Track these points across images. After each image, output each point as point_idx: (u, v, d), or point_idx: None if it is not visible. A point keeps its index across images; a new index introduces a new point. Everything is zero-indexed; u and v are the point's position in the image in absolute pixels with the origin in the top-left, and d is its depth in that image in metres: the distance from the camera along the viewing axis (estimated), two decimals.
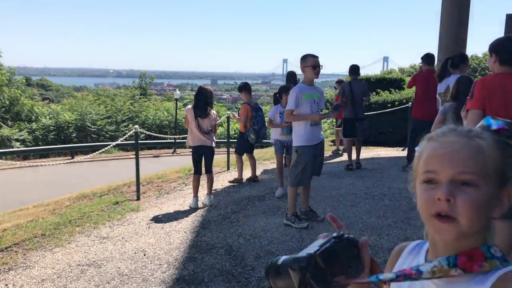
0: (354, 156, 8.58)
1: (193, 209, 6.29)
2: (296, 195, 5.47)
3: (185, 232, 5.37)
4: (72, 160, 12.34)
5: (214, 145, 6.52)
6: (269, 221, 5.62)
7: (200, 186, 6.68)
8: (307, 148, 5.30)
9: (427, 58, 7.67)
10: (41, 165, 10.64)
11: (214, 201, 6.58)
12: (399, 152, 10.44)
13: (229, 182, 7.79)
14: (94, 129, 23.58)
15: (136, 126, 6.94)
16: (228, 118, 9.19)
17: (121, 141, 7.97)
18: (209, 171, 6.54)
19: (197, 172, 6.50)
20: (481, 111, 3.30)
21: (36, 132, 22.73)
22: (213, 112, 6.43)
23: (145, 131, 16.15)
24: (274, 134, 7.05)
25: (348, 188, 7.01)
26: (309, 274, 0.87)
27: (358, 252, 0.97)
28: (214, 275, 4.20)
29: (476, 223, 0.91)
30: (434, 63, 7.78)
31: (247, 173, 8.11)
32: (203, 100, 6.33)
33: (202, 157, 6.51)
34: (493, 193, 0.91)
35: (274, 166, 9.11)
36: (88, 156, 9.82)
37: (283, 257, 0.93)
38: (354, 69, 8.66)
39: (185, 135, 6.83)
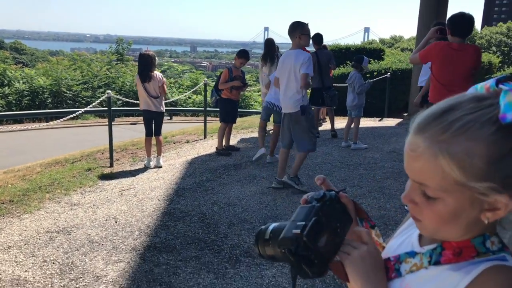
0: (329, 126, 8.61)
1: (166, 177, 6.20)
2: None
3: (158, 199, 5.30)
4: (47, 126, 12.05)
5: (162, 110, 6.87)
6: (245, 190, 5.58)
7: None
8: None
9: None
10: (15, 131, 10.36)
11: (186, 167, 6.53)
12: (376, 123, 10.46)
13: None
14: (70, 95, 23.05)
15: (109, 91, 6.75)
16: (205, 85, 9.02)
17: (93, 106, 7.73)
18: (158, 133, 6.94)
19: (147, 135, 6.90)
20: (419, 60, 4.52)
21: (9, 97, 22.13)
22: (157, 73, 6.73)
23: (122, 98, 15.86)
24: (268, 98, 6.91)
25: (324, 157, 7.00)
26: (302, 260, 0.83)
27: (342, 205, 0.91)
28: (187, 242, 4.16)
29: (447, 231, 0.81)
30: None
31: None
32: (144, 66, 6.65)
33: (152, 121, 6.90)
34: (467, 203, 0.76)
35: (253, 135, 9.07)
36: (64, 122, 9.59)
37: (272, 226, 0.90)
38: (319, 38, 8.57)
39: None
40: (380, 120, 10.82)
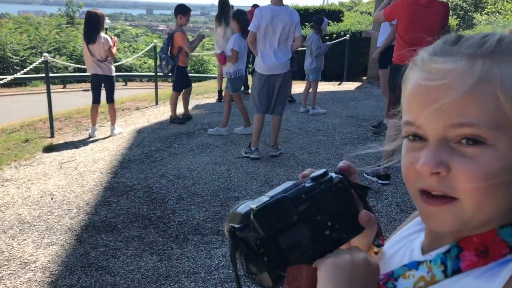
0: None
1: (111, 148, 5.74)
2: None
3: (101, 172, 4.86)
4: None
5: (111, 73, 6.28)
6: (197, 160, 5.21)
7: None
8: None
9: None
10: None
11: (129, 132, 6.10)
12: (335, 87, 10.22)
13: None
14: (17, 60, 21.75)
15: (46, 54, 6.15)
16: (155, 47, 8.44)
17: (27, 72, 7.05)
18: (110, 100, 6.40)
19: (94, 102, 6.41)
20: (384, 18, 4.23)
21: None
22: (103, 36, 6.11)
23: (72, 64, 14.98)
24: (240, 65, 6.13)
25: (282, 124, 6.64)
26: (242, 249, 0.56)
27: (349, 201, 0.62)
28: (129, 220, 3.79)
29: (492, 202, 0.54)
30: None
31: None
32: (90, 26, 6.08)
33: (101, 86, 6.36)
34: None
35: (208, 101, 8.65)
36: (11, 89, 8.85)
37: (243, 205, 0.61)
38: None
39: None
40: (339, 84, 10.58)
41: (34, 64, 6.80)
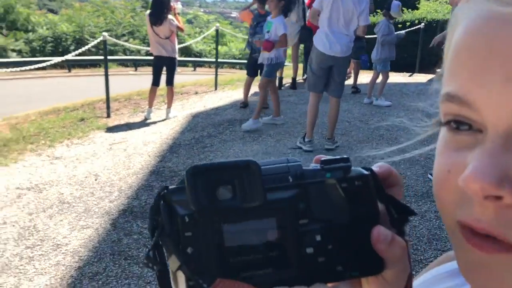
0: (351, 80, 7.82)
1: (164, 131, 5.64)
2: None
3: (149, 155, 4.76)
4: (68, 74, 11.64)
5: (175, 55, 6.14)
6: (246, 148, 4.98)
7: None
8: None
9: None
10: (34, 78, 9.99)
11: (181, 116, 6.21)
12: (406, 78, 9.59)
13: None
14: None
15: (105, 33, 6.15)
16: (217, 31, 8.27)
17: (82, 54, 7.14)
18: (170, 83, 6.27)
19: (154, 84, 6.28)
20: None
21: (33, 43, 21.85)
22: (170, 18, 5.96)
23: (145, 47, 15.28)
24: (280, 50, 5.83)
25: (342, 115, 6.27)
26: (162, 216, 0.32)
27: (368, 214, 0.35)
28: None
29: None
30: None
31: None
32: (158, 7, 5.91)
33: (163, 69, 6.26)
34: None
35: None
36: (86, 70, 9.12)
37: None
38: None
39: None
40: (410, 76, 9.93)
41: (91, 44, 6.86)
